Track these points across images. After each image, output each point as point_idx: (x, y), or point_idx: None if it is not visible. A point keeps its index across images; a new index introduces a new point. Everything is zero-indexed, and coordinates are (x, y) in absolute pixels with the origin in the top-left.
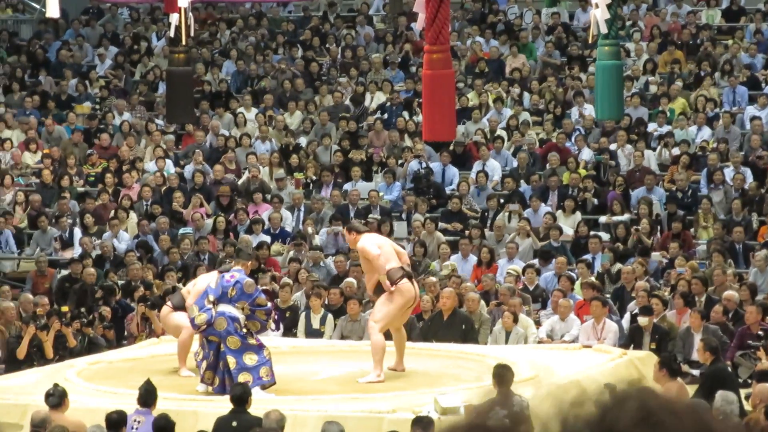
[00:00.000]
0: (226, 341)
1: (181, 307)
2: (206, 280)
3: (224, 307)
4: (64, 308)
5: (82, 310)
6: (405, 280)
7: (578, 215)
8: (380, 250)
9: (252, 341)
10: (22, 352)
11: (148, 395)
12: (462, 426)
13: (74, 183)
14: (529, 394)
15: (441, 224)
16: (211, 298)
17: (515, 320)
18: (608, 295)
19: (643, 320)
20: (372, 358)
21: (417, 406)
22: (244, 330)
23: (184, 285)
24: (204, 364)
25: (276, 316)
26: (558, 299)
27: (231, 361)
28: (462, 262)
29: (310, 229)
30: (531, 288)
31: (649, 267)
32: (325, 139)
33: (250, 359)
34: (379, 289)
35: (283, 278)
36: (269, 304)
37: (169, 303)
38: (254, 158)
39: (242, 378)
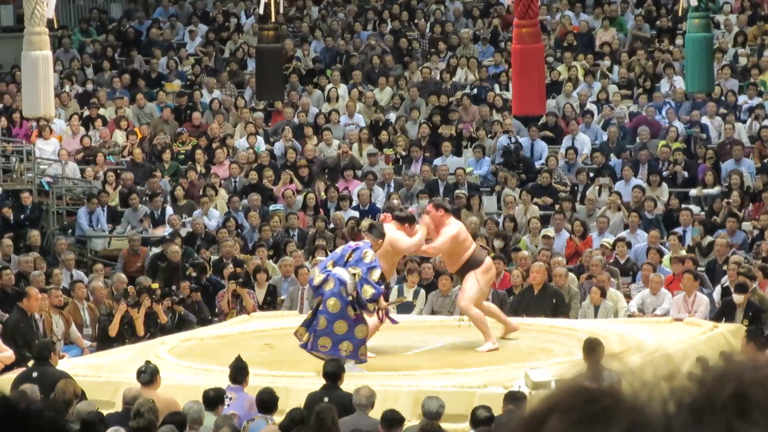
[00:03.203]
0: (326, 302)
1: None
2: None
3: (337, 270)
4: (154, 285)
5: (173, 287)
6: (488, 258)
7: (665, 188)
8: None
9: (350, 312)
10: (114, 329)
11: (238, 372)
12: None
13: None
14: (621, 368)
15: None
16: (332, 262)
17: (603, 295)
18: (701, 269)
19: (738, 297)
20: (480, 331)
21: (508, 381)
22: (350, 297)
23: (274, 262)
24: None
25: (385, 315)
26: (649, 273)
27: (322, 322)
28: (555, 236)
29: (396, 202)
30: (622, 261)
31: (732, 239)
32: (414, 112)
33: (339, 328)
34: (463, 269)
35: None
36: (382, 288)
37: None
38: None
39: (322, 342)
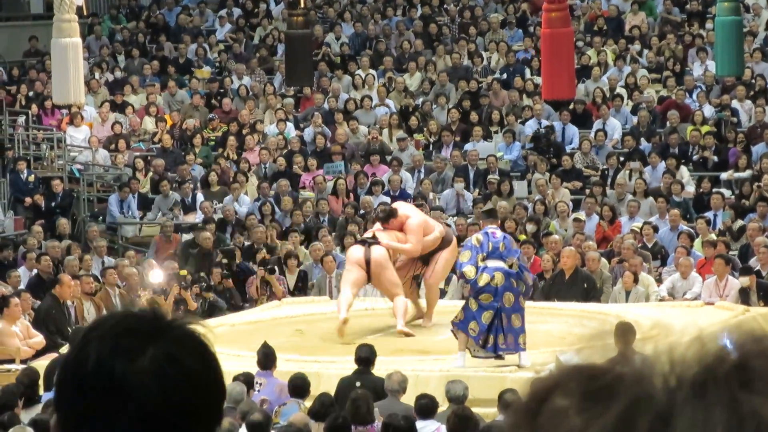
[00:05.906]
0: (502, 297)
1: None
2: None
3: (498, 263)
4: (183, 272)
5: (202, 274)
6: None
7: (684, 171)
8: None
9: (522, 303)
10: None
11: (266, 358)
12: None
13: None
14: (650, 351)
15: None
16: (482, 255)
17: (636, 280)
18: (733, 253)
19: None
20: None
21: (539, 365)
22: (521, 288)
23: (306, 248)
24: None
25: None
26: (680, 257)
27: (504, 318)
28: (586, 220)
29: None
30: (649, 245)
31: (764, 223)
32: (441, 98)
33: (515, 321)
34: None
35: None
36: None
37: None
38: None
39: (510, 339)
